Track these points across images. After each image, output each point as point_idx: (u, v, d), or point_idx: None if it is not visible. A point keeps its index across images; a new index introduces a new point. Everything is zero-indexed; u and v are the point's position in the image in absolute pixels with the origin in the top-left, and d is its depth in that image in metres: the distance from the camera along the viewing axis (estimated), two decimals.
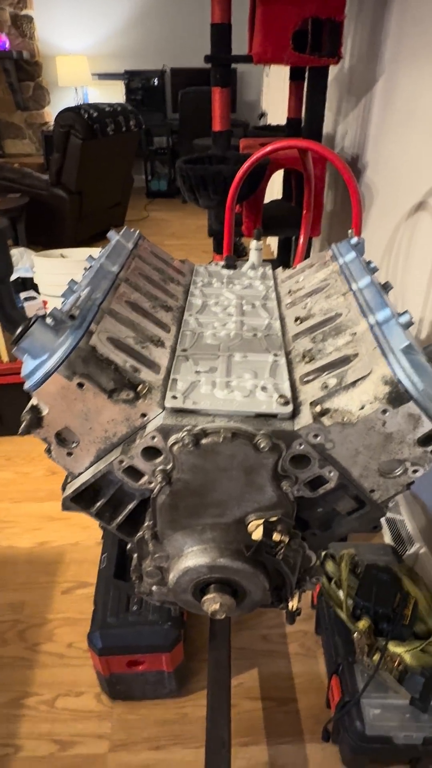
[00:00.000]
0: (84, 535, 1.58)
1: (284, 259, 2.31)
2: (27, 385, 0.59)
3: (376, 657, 1.02)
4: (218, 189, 1.54)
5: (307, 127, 1.76)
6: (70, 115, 3.09)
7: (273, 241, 3.40)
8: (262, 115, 3.09)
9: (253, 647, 1.29)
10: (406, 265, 1.48)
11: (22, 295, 1.77)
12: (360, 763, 1.05)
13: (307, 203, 1.34)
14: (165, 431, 0.59)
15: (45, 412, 0.60)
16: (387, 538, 1.52)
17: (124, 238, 0.87)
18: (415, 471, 0.60)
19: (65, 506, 0.67)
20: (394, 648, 1.03)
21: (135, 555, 0.72)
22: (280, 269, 0.99)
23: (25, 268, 2.12)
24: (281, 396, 0.60)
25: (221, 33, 1.58)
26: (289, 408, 0.59)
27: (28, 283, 1.94)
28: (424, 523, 1.41)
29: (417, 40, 1.41)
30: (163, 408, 0.60)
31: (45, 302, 1.74)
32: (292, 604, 0.67)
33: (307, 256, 1.69)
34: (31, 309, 1.80)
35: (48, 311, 0.62)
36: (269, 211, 1.93)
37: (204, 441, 0.57)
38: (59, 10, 4.53)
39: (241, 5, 1.72)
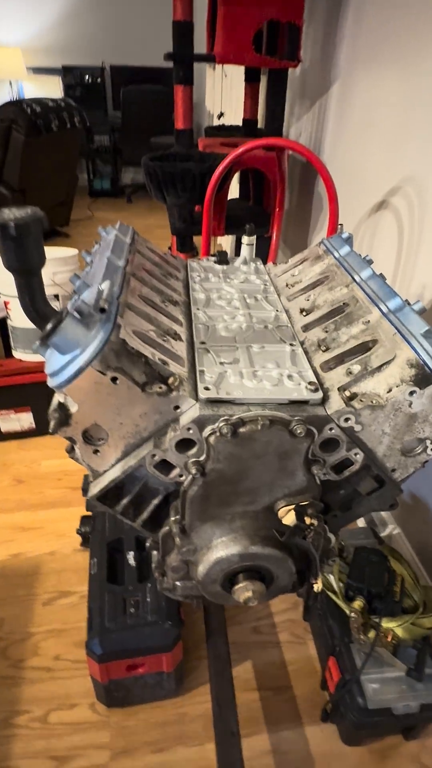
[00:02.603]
0: (60, 544, 1.53)
1: None
2: (56, 382, 0.57)
3: (372, 634, 1.07)
4: (187, 186, 1.55)
5: (267, 128, 1.80)
6: (12, 109, 2.96)
7: (225, 241, 3.44)
8: (221, 115, 3.12)
9: (245, 640, 1.30)
10: None
11: None
12: (360, 738, 1.09)
13: (280, 201, 1.38)
14: (201, 422, 0.59)
15: (74, 409, 0.58)
16: (360, 521, 1.59)
17: (121, 233, 0.86)
18: None
19: (90, 506, 0.65)
20: (387, 624, 1.08)
21: (155, 552, 0.72)
22: (270, 264, 1.01)
23: None
24: (310, 383, 0.62)
25: (183, 31, 1.58)
26: (320, 394, 0.60)
27: None
28: None
29: (372, 46, 1.49)
30: (197, 399, 0.60)
31: (7, 302, 1.66)
32: (318, 585, 0.69)
33: (259, 253, 1.72)
34: None
35: (70, 306, 0.60)
36: (230, 210, 1.96)
37: (242, 429, 0.58)
38: None
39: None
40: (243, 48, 1.58)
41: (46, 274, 1.71)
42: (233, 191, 2.48)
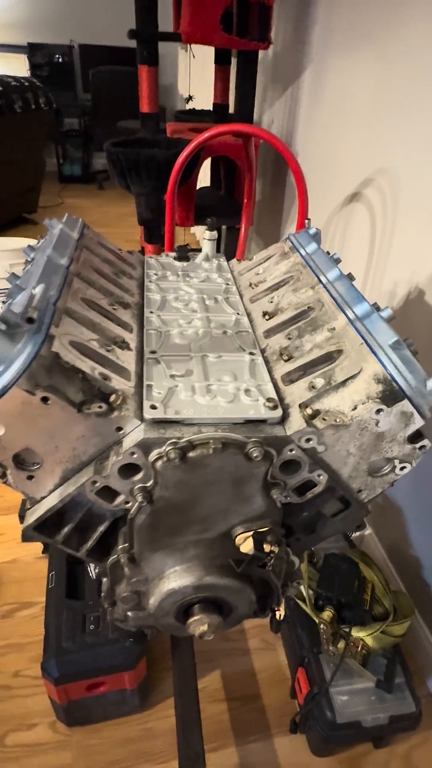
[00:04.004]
0: (22, 551, 1.45)
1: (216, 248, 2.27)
2: None
3: (341, 645, 1.04)
4: (152, 174, 1.46)
5: (237, 114, 1.72)
6: None
7: (198, 231, 3.35)
8: (190, 98, 2.99)
9: (213, 648, 1.26)
10: (341, 257, 1.50)
11: None
12: (329, 750, 1.07)
13: (248, 192, 1.31)
14: (146, 446, 0.52)
15: (1, 432, 0.51)
16: None
17: (68, 227, 0.78)
18: (402, 468, 0.59)
19: (26, 537, 0.58)
20: (357, 633, 1.05)
21: (105, 579, 0.66)
22: (234, 261, 0.95)
23: None
24: (269, 399, 0.56)
25: (147, 7, 1.48)
26: (279, 412, 0.55)
27: None
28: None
29: (345, 28, 1.42)
30: (142, 419, 0.53)
31: None
32: (280, 613, 0.64)
33: (231, 245, 1.65)
34: None
35: None
36: (199, 199, 1.88)
37: (191, 454, 0.52)
38: None
39: None
40: (210, 27, 1.49)
41: (2, 266, 1.61)
42: (205, 179, 2.39)
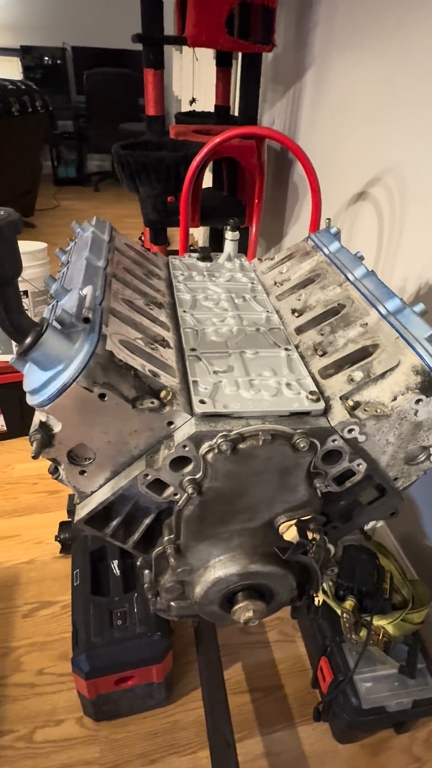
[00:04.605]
0: (39, 551, 1.47)
1: (217, 249, 2.29)
2: (37, 401, 0.51)
3: (363, 633, 1.06)
4: (161, 176, 1.48)
5: (242, 115, 1.75)
6: None
7: (198, 232, 3.37)
8: (193, 100, 3.02)
9: (234, 642, 1.29)
10: None
11: None
12: (353, 737, 1.09)
13: (259, 193, 1.33)
14: (198, 439, 0.54)
15: (57, 429, 0.53)
16: None
17: (99, 229, 0.80)
18: None
19: (76, 530, 0.60)
20: (378, 621, 1.08)
21: (147, 571, 0.68)
22: (255, 261, 0.97)
23: None
24: (311, 392, 0.58)
25: (153, 10, 1.50)
26: (322, 404, 0.57)
27: None
28: None
29: (347, 29, 1.45)
30: (192, 414, 0.55)
31: None
32: (319, 598, 0.66)
33: (241, 247, 1.67)
34: None
35: (49, 314, 0.55)
36: (203, 201, 1.90)
37: (241, 446, 0.54)
38: None
39: None
40: (215, 30, 1.51)
41: None
42: (206, 180, 2.41)
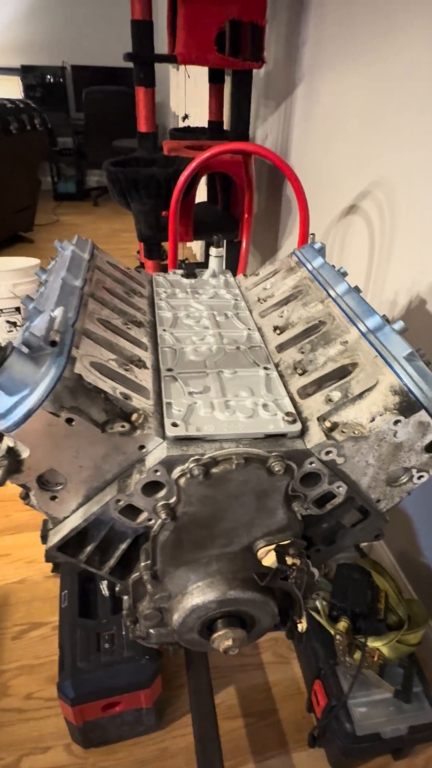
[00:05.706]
0: (30, 571, 1.44)
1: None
2: (3, 426, 0.50)
3: (357, 655, 1.03)
4: (152, 192, 1.48)
5: (233, 131, 1.76)
6: None
7: (196, 246, 3.38)
8: (186, 117, 3.07)
9: (226, 664, 1.25)
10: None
11: None
12: (349, 764, 1.06)
13: (248, 207, 1.33)
14: (169, 463, 0.53)
15: (25, 454, 0.52)
16: None
17: (79, 248, 0.79)
18: (420, 477, 0.60)
19: (49, 557, 0.58)
20: (373, 643, 1.05)
21: (126, 597, 0.66)
22: (240, 276, 0.96)
23: None
24: (287, 413, 0.57)
25: (142, 30, 1.52)
26: (299, 426, 0.56)
27: None
28: None
29: (336, 46, 1.46)
30: (164, 437, 0.54)
31: None
32: (302, 625, 0.64)
33: (229, 259, 1.67)
34: None
35: (18, 338, 0.54)
36: (197, 215, 1.90)
37: (214, 470, 0.52)
38: None
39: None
40: (205, 48, 1.52)
41: (6, 285, 1.63)
42: (201, 194, 2.42)
